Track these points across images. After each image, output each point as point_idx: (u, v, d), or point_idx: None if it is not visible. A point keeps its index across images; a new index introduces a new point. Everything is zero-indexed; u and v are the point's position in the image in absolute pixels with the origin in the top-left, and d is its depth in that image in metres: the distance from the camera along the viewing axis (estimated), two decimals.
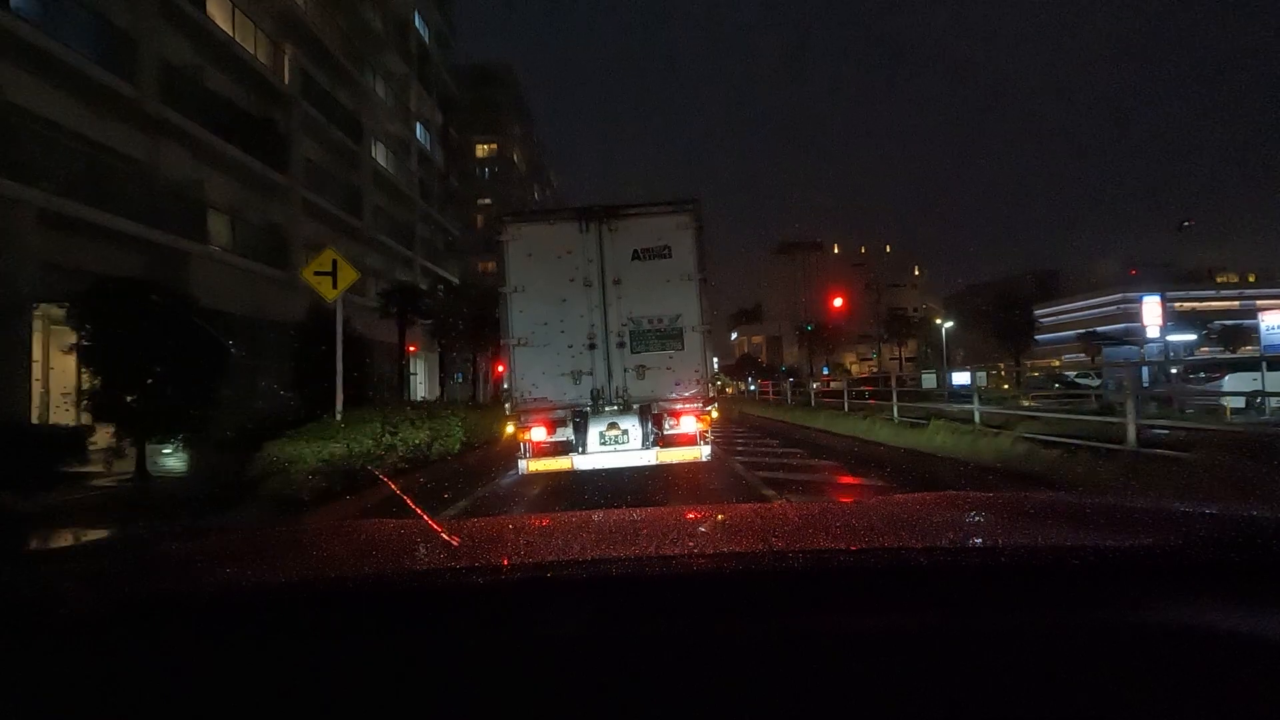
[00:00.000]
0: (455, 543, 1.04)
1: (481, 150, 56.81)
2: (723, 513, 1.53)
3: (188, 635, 0.77)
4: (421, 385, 28.64)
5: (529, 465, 6.42)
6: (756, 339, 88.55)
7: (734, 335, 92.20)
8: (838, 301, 41.75)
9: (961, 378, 34.00)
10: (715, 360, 8.51)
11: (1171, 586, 0.80)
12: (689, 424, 6.53)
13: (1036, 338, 40.69)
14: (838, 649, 0.71)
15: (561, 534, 1.30)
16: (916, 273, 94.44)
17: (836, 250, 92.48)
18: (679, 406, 6.52)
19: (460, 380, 29.08)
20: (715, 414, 7.02)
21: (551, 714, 0.67)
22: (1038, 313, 40.42)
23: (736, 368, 64.33)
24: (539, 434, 6.48)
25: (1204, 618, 0.73)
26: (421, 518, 1.19)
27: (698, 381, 6.51)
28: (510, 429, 6.62)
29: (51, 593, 0.85)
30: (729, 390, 48.85)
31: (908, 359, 60.00)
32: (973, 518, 1.30)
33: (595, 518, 1.49)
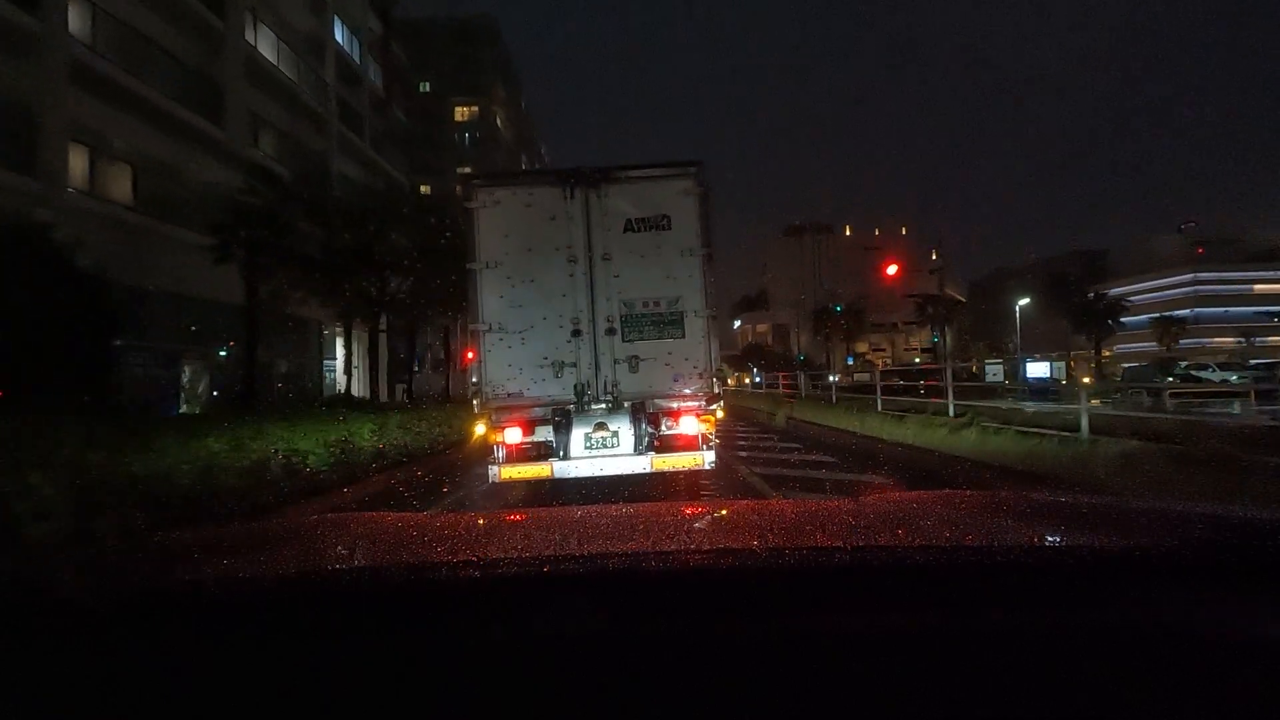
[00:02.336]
0: (451, 535, 1.08)
1: (461, 113, 51.77)
2: (720, 509, 1.55)
3: (187, 634, 0.76)
4: (341, 374, 21.20)
5: (501, 472, 5.55)
6: (761, 327, 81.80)
7: (737, 324, 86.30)
8: (891, 269, 35.45)
9: (1038, 369, 26.36)
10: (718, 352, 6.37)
11: (1170, 586, 0.79)
12: (689, 425, 5.70)
13: (1124, 320, 34.05)
14: (837, 648, 0.71)
15: (559, 529, 1.28)
16: (935, 256, 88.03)
17: (848, 232, 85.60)
18: (678, 405, 5.70)
19: (420, 367, 21.73)
20: (721, 414, 6.14)
21: (549, 713, 0.67)
22: (1096, 294, 34.32)
23: (741, 358, 58.88)
24: (514, 435, 5.64)
25: (1203, 618, 0.73)
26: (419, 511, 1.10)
27: (700, 376, 5.67)
28: (480, 429, 5.82)
29: (51, 592, 0.84)
30: (731, 382, 42.76)
31: (923, 349, 55.32)
32: (971, 517, 1.28)
33: (591, 513, 1.46)
